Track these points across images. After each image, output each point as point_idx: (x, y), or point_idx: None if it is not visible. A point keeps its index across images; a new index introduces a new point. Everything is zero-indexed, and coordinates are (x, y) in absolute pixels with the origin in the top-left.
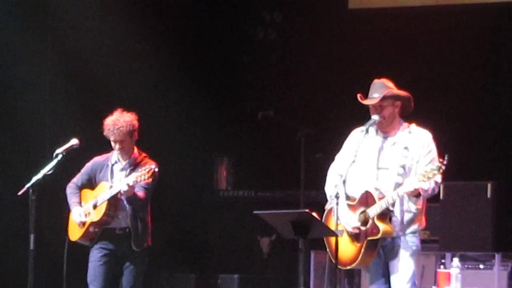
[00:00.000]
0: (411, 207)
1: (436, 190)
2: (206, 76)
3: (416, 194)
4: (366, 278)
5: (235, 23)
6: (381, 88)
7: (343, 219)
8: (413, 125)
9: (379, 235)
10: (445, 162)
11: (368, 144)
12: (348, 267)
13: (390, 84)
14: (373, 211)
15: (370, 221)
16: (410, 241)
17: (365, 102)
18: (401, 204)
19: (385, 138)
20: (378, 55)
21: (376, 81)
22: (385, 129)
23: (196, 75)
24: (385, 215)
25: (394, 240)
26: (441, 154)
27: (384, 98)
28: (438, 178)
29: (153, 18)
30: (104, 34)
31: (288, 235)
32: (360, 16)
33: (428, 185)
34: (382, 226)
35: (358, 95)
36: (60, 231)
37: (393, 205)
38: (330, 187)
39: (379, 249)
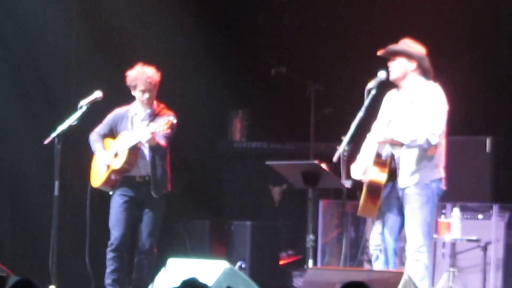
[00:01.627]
0: (415, 157)
1: (434, 140)
2: (223, 34)
3: (394, 143)
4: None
5: None
6: (402, 45)
7: (355, 167)
8: (428, 82)
9: (368, 181)
10: None
11: (389, 102)
12: (358, 213)
13: (413, 44)
14: (369, 159)
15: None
16: (417, 192)
17: (379, 53)
18: (404, 154)
19: (399, 94)
20: (387, 14)
21: (402, 39)
22: (398, 84)
23: (214, 34)
24: (382, 164)
25: (404, 189)
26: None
27: (394, 53)
28: (435, 130)
29: None
30: None
31: (298, 184)
32: None
33: (408, 137)
34: (371, 172)
35: (379, 50)
36: (83, 179)
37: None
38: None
39: (392, 200)
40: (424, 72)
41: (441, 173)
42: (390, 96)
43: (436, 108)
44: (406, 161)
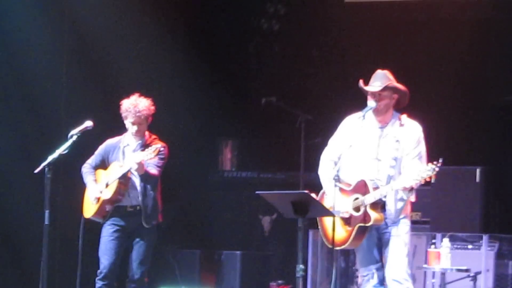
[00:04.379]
0: (404, 196)
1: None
2: (214, 64)
3: (409, 189)
4: (357, 257)
5: (241, 15)
6: (383, 79)
7: (337, 203)
8: (404, 116)
9: (371, 223)
10: (438, 165)
11: (364, 133)
12: (338, 248)
13: (391, 76)
14: (368, 199)
15: (363, 209)
16: (403, 227)
17: (367, 88)
18: (395, 194)
19: (379, 128)
20: (374, 46)
21: (378, 71)
22: (379, 118)
23: (204, 63)
24: (378, 204)
25: (388, 227)
26: (431, 144)
27: (385, 88)
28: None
29: (163, 8)
30: (117, 24)
31: (288, 214)
32: (356, 9)
33: (419, 182)
34: (373, 215)
35: (360, 81)
36: (73, 209)
37: (385, 196)
38: (323, 170)
39: (373, 233)
40: (398, 104)
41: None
42: (355, 122)
43: (423, 151)
44: (396, 199)
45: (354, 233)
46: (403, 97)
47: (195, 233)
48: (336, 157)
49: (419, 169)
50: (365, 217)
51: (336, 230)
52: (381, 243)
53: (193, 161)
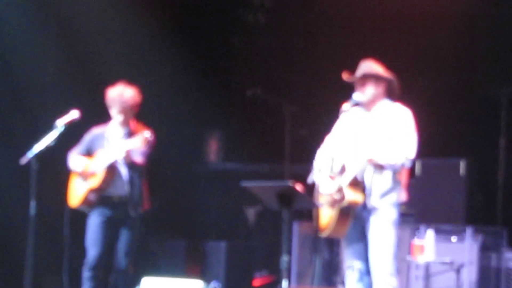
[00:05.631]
0: (387, 179)
1: (406, 164)
2: (200, 54)
3: (377, 166)
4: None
5: (227, 7)
6: (365, 68)
7: (323, 188)
8: (396, 104)
9: (344, 202)
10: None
11: (352, 122)
12: (324, 235)
13: (376, 65)
14: (343, 180)
15: (341, 190)
16: (385, 212)
17: (346, 78)
18: (376, 175)
19: (367, 114)
20: (362, 38)
21: (364, 61)
22: (367, 107)
23: (192, 54)
24: (357, 185)
25: (370, 211)
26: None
27: (364, 76)
28: (409, 155)
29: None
30: (103, 13)
31: (273, 206)
32: (343, 0)
33: (389, 160)
34: (349, 194)
35: (344, 73)
36: (59, 199)
37: (362, 174)
38: (317, 162)
39: (357, 223)
40: (390, 92)
41: (404, 196)
42: (352, 114)
43: (410, 133)
44: (379, 182)
45: (335, 216)
46: (391, 85)
47: (181, 224)
48: (331, 151)
49: (392, 148)
50: (342, 197)
51: (324, 216)
52: (365, 233)
53: (178, 152)
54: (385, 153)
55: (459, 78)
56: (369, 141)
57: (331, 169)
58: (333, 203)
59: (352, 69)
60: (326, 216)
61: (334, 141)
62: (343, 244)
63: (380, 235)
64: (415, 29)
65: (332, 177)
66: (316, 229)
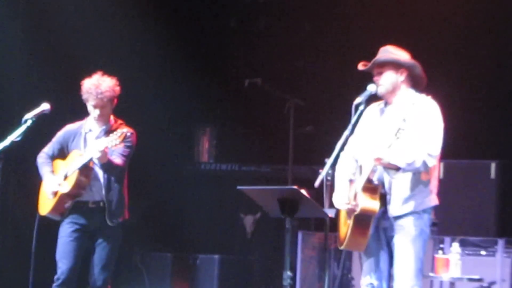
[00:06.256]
0: (410, 181)
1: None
2: (189, 40)
3: (389, 167)
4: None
5: None
6: (383, 54)
7: (338, 195)
8: (422, 96)
9: (358, 209)
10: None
11: (374, 117)
12: (342, 247)
13: (397, 50)
14: (357, 184)
15: (357, 196)
16: (410, 221)
17: (360, 67)
18: (397, 178)
19: (388, 109)
20: (378, 19)
21: (382, 47)
22: (388, 99)
23: (178, 39)
24: (374, 189)
25: (393, 219)
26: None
27: (382, 63)
28: (431, 151)
29: None
30: None
31: (274, 213)
32: None
33: (404, 159)
34: (363, 201)
35: (360, 64)
36: (27, 204)
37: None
38: (339, 165)
39: (381, 235)
40: (415, 82)
41: (435, 200)
42: (374, 110)
43: (433, 127)
44: (400, 186)
45: (351, 226)
46: (413, 71)
47: (167, 234)
48: (353, 152)
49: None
50: (356, 205)
51: (343, 227)
52: (391, 249)
53: (165, 151)
54: (399, 150)
55: (490, 71)
56: (384, 137)
57: (354, 172)
58: (350, 212)
59: (369, 57)
60: (344, 227)
61: (356, 140)
62: (365, 258)
63: (402, 248)
64: (440, 14)
65: (352, 182)
66: (338, 241)
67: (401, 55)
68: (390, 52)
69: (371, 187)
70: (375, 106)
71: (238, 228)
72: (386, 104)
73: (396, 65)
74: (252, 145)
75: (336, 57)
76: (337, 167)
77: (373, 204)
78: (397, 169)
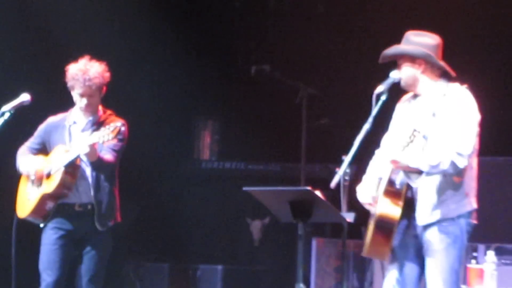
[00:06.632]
0: (439, 185)
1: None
2: (189, 20)
3: (409, 170)
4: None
5: None
6: (403, 43)
7: (365, 186)
8: (454, 86)
9: (375, 216)
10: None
11: (403, 111)
12: (363, 254)
13: (419, 37)
14: (380, 186)
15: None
16: (441, 230)
17: (380, 60)
18: (424, 181)
19: (416, 102)
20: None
21: (406, 33)
22: (414, 92)
23: (176, 19)
24: (396, 194)
25: (424, 229)
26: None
27: (399, 56)
28: (461, 150)
29: None
30: None
31: (285, 218)
32: None
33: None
34: (381, 206)
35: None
36: (4, 206)
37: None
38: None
39: (410, 241)
40: (443, 71)
41: (472, 204)
42: (405, 104)
43: (464, 121)
44: (427, 190)
45: (372, 232)
46: (429, 60)
47: (163, 242)
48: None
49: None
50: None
51: (369, 230)
52: (423, 259)
53: (160, 147)
54: (425, 151)
55: None
56: (416, 137)
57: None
58: (373, 215)
59: (392, 42)
60: (369, 232)
61: (390, 138)
62: (388, 269)
63: (434, 259)
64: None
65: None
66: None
67: (424, 42)
68: (409, 40)
69: (393, 191)
70: (406, 98)
71: (244, 235)
72: (415, 96)
73: (411, 57)
74: (259, 140)
75: (354, 40)
76: (370, 164)
77: (394, 211)
78: (420, 172)
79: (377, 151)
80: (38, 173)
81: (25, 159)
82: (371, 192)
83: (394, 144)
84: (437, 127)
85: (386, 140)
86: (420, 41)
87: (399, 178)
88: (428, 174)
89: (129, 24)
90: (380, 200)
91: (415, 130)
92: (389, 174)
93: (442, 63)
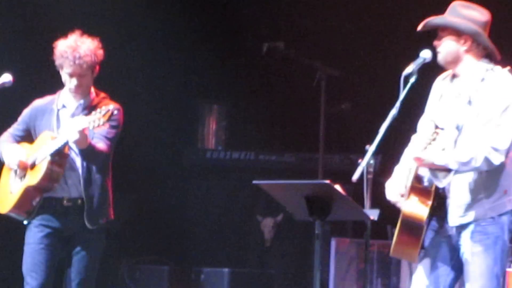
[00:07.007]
0: (474, 182)
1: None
2: None
3: (435, 167)
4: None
5: None
6: (448, 14)
7: (393, 181)
8: (495, 70)
9: (401, 215)
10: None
11: (441, 92)
12: (391, 255)
13: (468, 9)
14: (407, 181)
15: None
16: (479, 230)
17: (420, 28)
18: (456, 178)
19: (454, 84)
20: None
21: (453, 3)
22: (452, 70)
23: None
24: (425, 191)
25: (459, 228)
26: None
27: (440, 28)
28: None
29: None
30: None
31: (300, 215)
32: None
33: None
34: (408, 204)
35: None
36: None
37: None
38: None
39: (443, 241)
40: (485, 51)
41: None
42: (444, 83)
43: (502, 111)
44: (459, 188)
45: (397, 231)
46: (477, 38)
47: (162, 241)
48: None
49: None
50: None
51: (401, 239)
52: (459, 262)
53: (160, 134)
54: (456, 146)
55: None
56: (448, 130)
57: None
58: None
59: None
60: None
61: (427, 121)
62: (417, 272)
63: (472, 260)
64: None
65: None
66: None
67: (473, 16)
68: (455, 11)
69: (422, 189)
70: (445, 75)
71: (254, 234)
72: (454, 76)
73: (457, 31)
74: (272, 127)
75: (378, 15)
76: (405, 152)
77: (421, 210)
78: (448, 170)
79: (413, 137)
80: (22, 164)
81: (7, 148)
82: (399, 189)
83: (418, 139)
84: (472, 117)
85: (423, 123)
86: (469, 14)
87: (427, 175)
88: (457, 172)
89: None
90: (408, 198)
91: (437, 127)
92: (416, 170)
93: (489, 44)
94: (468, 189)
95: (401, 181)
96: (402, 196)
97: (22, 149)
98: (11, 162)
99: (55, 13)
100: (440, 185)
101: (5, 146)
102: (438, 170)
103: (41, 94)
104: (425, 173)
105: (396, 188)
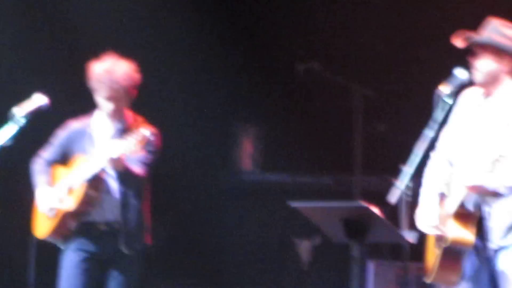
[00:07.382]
0: None
1: None
2: (227, 15)
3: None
4: None
5: None
6: (489, 32)
7: (421, 216)
8: None
9: (448, 242)
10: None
11: (470, 109)
12: (429, 280)
13: (508, 29)
14: (449, 207)
15: (447, 222)
16: None
17: (458, 42)
18: (498, 202)
19: (488, 104)
20: None
21: (489, 21)
22: (487, 91)
23: (214, 16)
24: (468, 216)
25: (497, 251)
26: None
27: (479, 46)
28: None
29: None
30: None
31: (338, 238)
32: None
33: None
34: (453, 230)
35: (456, 36)
36: (20, 225)
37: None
38: (428, 172)
39: (482, 265)
40: None
41: None
42: (472, 100)
43: None
44: (500, 210)
45: (439, 258)
46: None
47: (199, 264)
48: (450, 155)
49: None
50: (445, 234)
51: (431, 255)
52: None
53: (198, 157)
54: (499, 171)
55: None
56: (487, 152)
57: (448, 183)
58: (439, 239)
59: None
60: (432, 255)
61: (450, 136)
62: None
63: (508, 286)
64: None
65: (443, 197)
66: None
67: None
68: (499, 30)
69: (465, 214)
70: (473, 93)
71: (291, 257)
72: (486, 94)
73: (498, 51)
74: (308, 149)
75: (415, 35)
76: (426, 172)
77: (467, 236)
78: (496, 195)
79: (432, 154)
80: (53, 209)
81: (41, 183)
82: (432, 221)
83: (472, 166)
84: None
85: (444, 141)
86: (510, 35)
87: (472, 199)
88: (505, 196)
89: (161, 19)
90: (451, 224)
91: (501, 156)
92: (462, 197)
93: None
94: (509, 212)
95: (433, 211)
96: (436, 228)
97: (55, 190)
98: (45, 209)
99: (92, 34)
100: (490, 210)
101: (39, 182)
102: (488, 195)
103: (76, 115)
104: (470, 197)
105: (428, 220)
